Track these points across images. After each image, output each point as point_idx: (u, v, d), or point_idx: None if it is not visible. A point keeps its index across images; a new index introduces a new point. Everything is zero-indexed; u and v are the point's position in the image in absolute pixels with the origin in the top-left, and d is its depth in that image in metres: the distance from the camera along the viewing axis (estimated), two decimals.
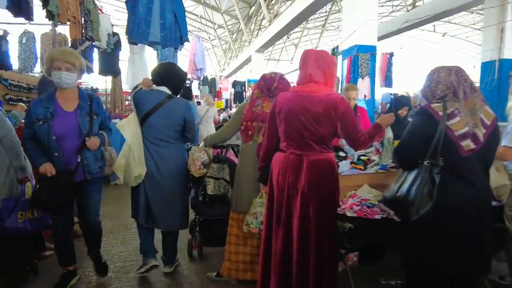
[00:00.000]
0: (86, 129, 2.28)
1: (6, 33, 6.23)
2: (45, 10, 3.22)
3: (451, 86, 1.66)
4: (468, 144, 1.57)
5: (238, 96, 13.30)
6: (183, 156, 2.66)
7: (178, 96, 2.70)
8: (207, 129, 6.87)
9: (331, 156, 1.94)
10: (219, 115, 10.12)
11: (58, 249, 2.50)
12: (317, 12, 12.63)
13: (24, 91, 7.98)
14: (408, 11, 10.01)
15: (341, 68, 6.31)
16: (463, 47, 22.90)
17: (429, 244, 1.62)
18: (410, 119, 4.76)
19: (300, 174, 1.86)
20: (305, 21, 13.96)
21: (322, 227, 1.85)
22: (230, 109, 13.71)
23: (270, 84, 2.43)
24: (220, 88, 13.66)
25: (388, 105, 13.82)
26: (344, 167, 2.48)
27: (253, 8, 16.38)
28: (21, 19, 3.76)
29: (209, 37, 21.81)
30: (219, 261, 2.68)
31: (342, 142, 2.82)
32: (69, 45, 5.99)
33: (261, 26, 16.02)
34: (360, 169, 2.49)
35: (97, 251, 2.67)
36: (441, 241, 1.60)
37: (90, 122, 2.29)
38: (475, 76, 5.75)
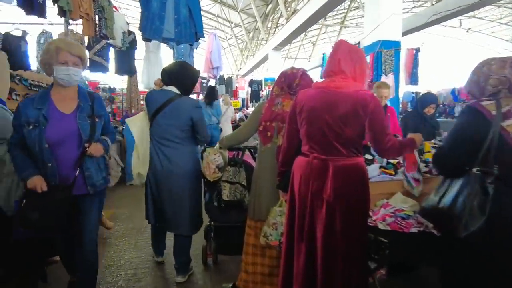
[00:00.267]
0: (87, 134, 1.89)
1: (25, 33, 6.25)
2: (56, 6, 3.11)
3: (506, 81, 1.42)
4: None
5: (255, 95, 13.11)
6: (192, 158, 2.54)
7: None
8: (225, 130, 6.74)
9: (360, 161, 1.72)
10: (236, 113, 9.95)
11: (63, 259, 2.37)
12: (336, 9, 12.33)
13: None
14: (433, 4, 9.55)
15: None
16: (488, 42, 21.97)
17: (481, 264, 1.39)
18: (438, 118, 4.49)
19: (325, 182, 1.65)
20: (323, 18, 13.66)
21: (350, 242, 1.64)
22: (247, 108, 13.55)
23: (291, 81, 2.20)
24: (236, 87, 13.51)
25: (409, 103, 13.35)
26: (372, 172, 2.25)
27: (270, 6, 16.15)
28: (41, 20, 3.69)
29: (226, 36, 21.73)
30: (236, 270, 2.51)
31: None
32: (85, 44, 6.00)
33: (278, 24, 15.80)
34: (391, 174, 2.26)
35: None
36: (496, 261, 1.36)
37: (91, 126, 1.91)
38: None
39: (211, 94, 6.22)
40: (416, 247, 1.74)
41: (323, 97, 1.70)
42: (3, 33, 5.72)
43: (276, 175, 2.03)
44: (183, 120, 2.43)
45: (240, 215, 2.49)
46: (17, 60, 5.56)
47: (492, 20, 18.30)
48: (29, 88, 7.20)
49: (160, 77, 2.63)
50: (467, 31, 19.14)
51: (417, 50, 7.52)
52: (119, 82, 10.91)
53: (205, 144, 2.67)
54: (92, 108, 1.96)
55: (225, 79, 12.28)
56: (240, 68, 23.20)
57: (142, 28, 3.38)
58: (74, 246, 2.07)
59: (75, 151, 1.88)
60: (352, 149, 1.67)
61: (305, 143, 1.78)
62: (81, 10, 3.43)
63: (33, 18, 3.60)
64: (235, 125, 7.58)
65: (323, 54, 8.66)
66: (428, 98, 3.73)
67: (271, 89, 2.32)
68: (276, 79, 2.29)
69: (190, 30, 3.47)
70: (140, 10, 3.59)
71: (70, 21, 3.83)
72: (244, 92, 13.95)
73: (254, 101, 13.12)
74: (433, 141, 2.95)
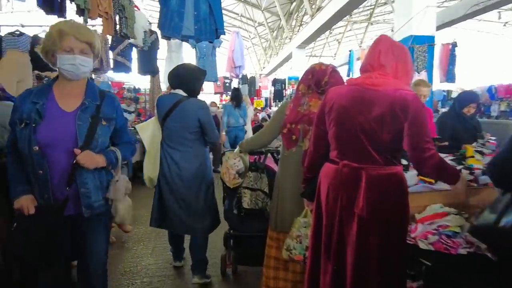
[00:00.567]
0: (83, 138, 1.51)
1: None
2: (73, 4, 3.05)
3: None
4: None
5: (278, 95, 12.88)
6: (202, 161, 2.50)
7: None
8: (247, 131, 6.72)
9: (399, 171, 1.49)
10: (258, 114, 9.79)
11: None
12: (362, 5, 11.92)
13: None
14: None
15: None
16: None
17: None
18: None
19: (357, 194, 1.43)
20: (349, 15, 13.26)
21: (386, 266, 1.41)
22: (270, 108, 13.36)
23: (320, 77, 1.98)
24: (259, 86, 13.34)
25: (439, 102, 12.64)
26: (409, 180, 1.99)
27: (294, 3, 15.89)
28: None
29: (249, 36, 21.65)
30: (256, 283, 2.35)
31: None
32: (109, 44, 6.02)
33: (302, 22, 15.50)
34: (430, 183, 1.99)
35: None
36: None
37: (90, 129, 1.52)
38: None
39: (238, 97, 6.39)
40: (465, 272, 1.49)
41: (357, 95, 1.48)
42: (31, 35, 5.82)
43: (301, 181, 1.83)
44: (191, 121, 2.40)
45: (261, 224, 2.30)
46: (44, 61, 5.60)
47: None
48: None
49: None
50: (505, 25, 18.04)
51: (454, 45, 6.96)
52: (144, 83, 11.02)
53: (213, 145, 2.66)
54: (98, 108, 1.58)
55: (248, 78, 12.13)
56: (264, 68, 23.06)
57: (160, 26, 3.26)
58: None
59: (70, 159, 1.49)
60: (389, 157, 1.44)
61: (334, 148, 1.57)
62: (99, 9, 3.35)
63: (54, 18, 3.58)
64: (258, 125, 7.43)
65: (350, 51, 8.33)
66: (468, 97, 3.39)
67: (296, 87, 2.11)
68: (302, 76, 2.07)
69: (210, 27, 3.32)
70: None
71: (92, 22, 3.81)
72: (267, 91, 13.75)
73: (277, 100, 12.91)
74: (474, 144, 2.65)
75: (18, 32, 5.39)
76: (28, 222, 1.47)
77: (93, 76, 6.21)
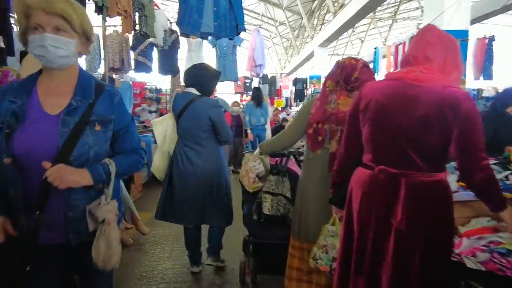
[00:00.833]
0: (63, 148, 1.14)
1: None
2: (92, 1, 3.00)
3: None
4: None
5: (299, 94, 12.65)
6: (216, 159, 2.53)
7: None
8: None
9: (443, 178, 1.30)
10: (278, 114, 9.62)
11: None
12: (386, 2, 11.57)
13: None
14: None
15: None
16: None
17: None
18: None
19: (395, 204, 1.25)
20: (372, 12, 12.88)
21: (428, 286, 1.23)
22: (290, 108, 13.15)
23: (349, 73, 1.80)
24: (280, 86, 13.15)
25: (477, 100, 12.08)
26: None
27: (316, 2, 15.61)
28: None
29: (270, 35, 21.50)
30: None
31: None
32: (130, 44, 6.02)
33: (324, 21, 15.20)
34: None
35: None
36: None
37: (73, 135, 1.14)
38: None
39: (259, 96, 6.49)
40: None
41: (398, 91, 1.29)
42: None
43: (329, 186, 1.65)
44: (202, 120, 2.42)
45: (283, 232, 2.15)
46: None
47: None
48: None
49: None
50: None
51: (491, 39, 6.39)
52: (165, 83, 11.07)
53: (226, 144, 2.67)
54: (91, 108, 1.20)
55: (269, 78, 11.97)
56: (284, 67, 22.86)
57: (179, 23, 3.17)
58: None
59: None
60: (433, 162, 1.25)
61: (368, 150, 1.39)
62: (118, 6, 3.29)
63: None
64: (278, 125, 7.27)
65: (375, 48, 7.99)
66: None
67: (323, 83, 1.93)
68: (330, 72, 1.89)
69: (230, 23, 3.19)
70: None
71: (112, 22, 3.76)
72: (288, 91, 13.55)
73: (298, 100, 12.70)
74: None
75: None
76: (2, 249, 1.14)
77: (114, 76, 6.22)
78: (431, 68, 1.28)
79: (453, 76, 1.31)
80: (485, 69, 6.49)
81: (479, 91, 12.56)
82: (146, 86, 12.20)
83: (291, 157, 2.41)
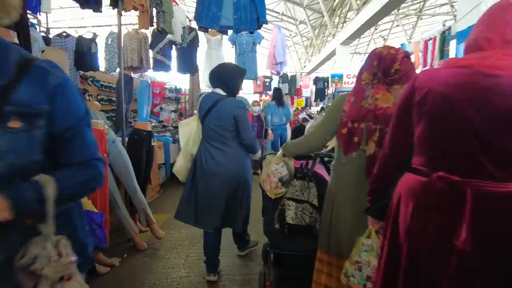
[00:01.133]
0: None
1: (95, 35, 6.43)
2: None
3: None
4: None
5: (320, 94, 12.31)
6: (240, 161, 2.48)
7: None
8: None
9: None
10: (298, 114, 9.36)
11: None
12: None
13: (114, 91, 8.36)
14: None
15: (455, 55, 5.05)
16: None
17: None
18: None
19: (458, 220, 1.00)
20: (396, 9, 12.43)
21: None
22: (310, 108, 12.84)
23: (388, 64, 1.56)
24: (300, 85, 12.86)
25: None
26: None
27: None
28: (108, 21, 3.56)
29: (290, 34, 21.24)
30: None
31: None
32: (149, 42, 5.93)
33: (346, 19, 14.83)
34: None
35: None
36: None
37: None
38: None
39: (280, 96, 6.51)
40: None
41: (467, 81, 1.03)
42: (76, 36, 5.90)
43: (367, 193, 1.41)
44: (227, 120, 2.40)
45: (309, 243, 1.92)
46: (87, 61, 5.78)
47: None
48: (101, 89, 7.52)
49: None
50: None
51: None
52: (184, 83, 11.03)
53: (247, 147, 2.52)
54: (4, 93, 0.77)
55: (289, 77, 11.72)
56: (305, 66, 22.54)
57: (197, 16, 3.00)
58: None
59: None
60: (510, 170, 1.00)
61: (421, 152, 1.14)
62: (135, 0, 3.15)
63: (101, 20, 3.45)
64: (298, 125, 7.04)
65: (402, 44, 7.61)
66: None
67: (356, 77, 1.68)
68: (364, 63, 1.64)
69: (251, 15, 2.99)
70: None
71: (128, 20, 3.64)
72: (308, 90, 13.23)
73: (318, 99, 12.38)
74: None
75: (65, 34, 5.60)
76: None
77: (132, 75, 6.17)
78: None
79: None
80: None
81: None
82: (165, 86, 12.22)
83: (318, 159, 2.18)
